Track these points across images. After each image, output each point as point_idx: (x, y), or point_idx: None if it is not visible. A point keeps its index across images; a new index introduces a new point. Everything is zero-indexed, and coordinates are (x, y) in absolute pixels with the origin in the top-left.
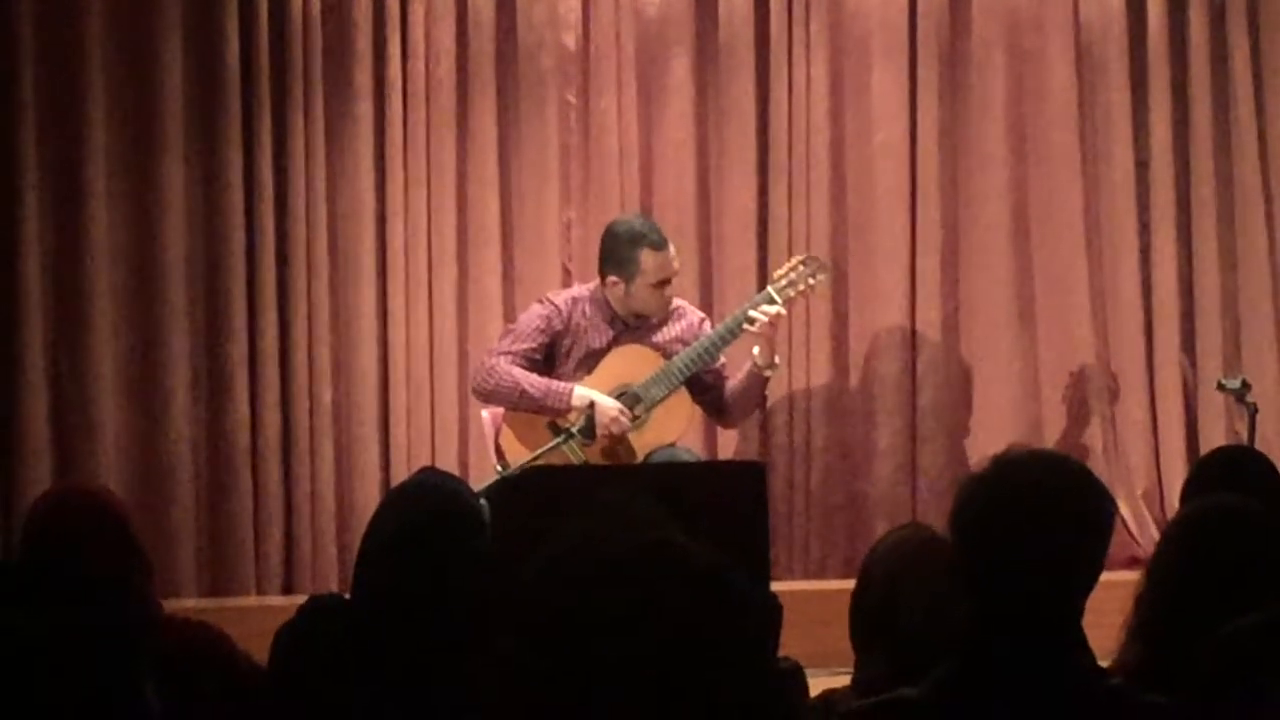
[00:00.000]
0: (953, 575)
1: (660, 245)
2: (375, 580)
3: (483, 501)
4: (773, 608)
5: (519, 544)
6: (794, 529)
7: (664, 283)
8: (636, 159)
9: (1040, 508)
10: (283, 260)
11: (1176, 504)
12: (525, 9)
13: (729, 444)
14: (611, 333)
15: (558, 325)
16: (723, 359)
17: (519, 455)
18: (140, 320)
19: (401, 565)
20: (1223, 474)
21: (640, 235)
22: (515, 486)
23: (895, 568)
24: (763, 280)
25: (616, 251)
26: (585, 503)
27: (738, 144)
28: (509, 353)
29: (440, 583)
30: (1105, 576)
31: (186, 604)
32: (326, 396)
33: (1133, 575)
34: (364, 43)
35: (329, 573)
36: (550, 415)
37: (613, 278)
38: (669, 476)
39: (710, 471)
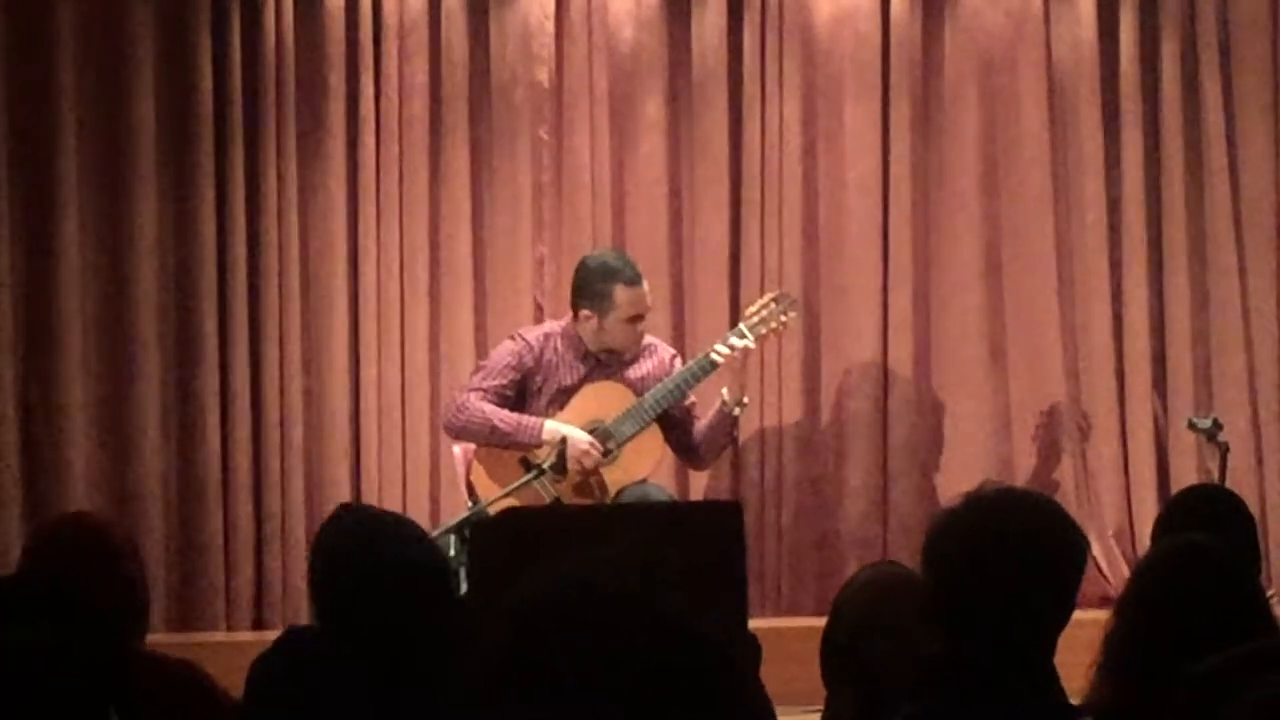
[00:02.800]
0: (924, 612)
1: (634, 281)
2: (336, 614)
3: (451, 536)
4: (751, 646)
5: (498, 585)
6: (765, 566)
7: (637, 318)
8: (609, 195)
9: (1013, 545)
10: (254, 295)
11: (1148, 543)
12: (498, 46)
13: (700, 481)
14: (583, 369)
15: (529, 361)
16: (693, 398)
17: (490, 491)
18: (111, 354)
19: (357, 599)
20: (1194, 513)
21: (614, 270)
22: (493, 527)
23: (866, 605)
24: (735, 317)
25: (590, 286)
26: (562, 545)
27: (710, 181)
28: (480, 389)
29: (402, 617)
30: (1077, 615)
31: (156, 639)
32: (298, 432)
33: (1104, 614)
34: (337, 79)
35: (300, 608)
36: (522, 450)
37: (585, 311)
38: (646, 516)
39: (688, 511)
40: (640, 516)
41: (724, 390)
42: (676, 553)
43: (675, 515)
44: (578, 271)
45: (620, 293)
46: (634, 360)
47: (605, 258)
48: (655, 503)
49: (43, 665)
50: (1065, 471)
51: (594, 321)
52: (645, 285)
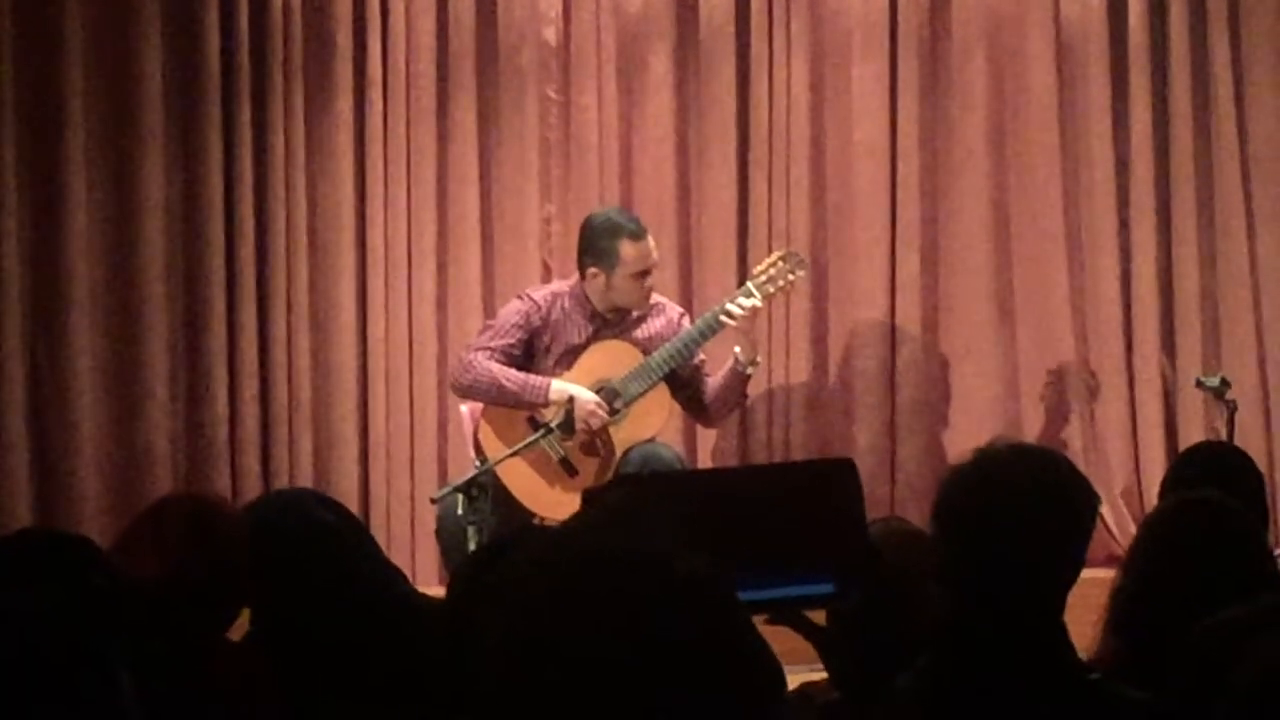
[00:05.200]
0: (934, 568)
1: (639, 235)
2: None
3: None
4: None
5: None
6: None
7: (644, 273)
8: (617, 155)
9: (1024, 500)
10: (262, 255)
11: (1155, 501)
12: (506, 4)
13: (708, 440)
14: (591, 328)
15: (536, 321)
16: (702, 356)
17: (498, 450)
18: (119, 315)
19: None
20: (1201, 470)
21: (619, 226)
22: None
23: None
24: (743, 276)
25: (595, 243)
26: (677, 512)
27: (718, 140)
28: (487, 348)
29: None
30: (1084, 573)
31: None
32: (305, 392)
33: (1112, 573)
34: (344, 38)
35: None
36: (528, 410)
37: (592, 269)
38: (762, 478)
39: (800, 470)
40: (756, 478)
41: (736, 349)
42: (667, 513)
43: (790, 474)
44: (583, 231)
45: (626, 247)
46: (642, 319)
47: (609, 214)
48: (767, 465)
49: (34, 628)
50: (1073, 430)
51: (601, 279)
52: (650, 240)
